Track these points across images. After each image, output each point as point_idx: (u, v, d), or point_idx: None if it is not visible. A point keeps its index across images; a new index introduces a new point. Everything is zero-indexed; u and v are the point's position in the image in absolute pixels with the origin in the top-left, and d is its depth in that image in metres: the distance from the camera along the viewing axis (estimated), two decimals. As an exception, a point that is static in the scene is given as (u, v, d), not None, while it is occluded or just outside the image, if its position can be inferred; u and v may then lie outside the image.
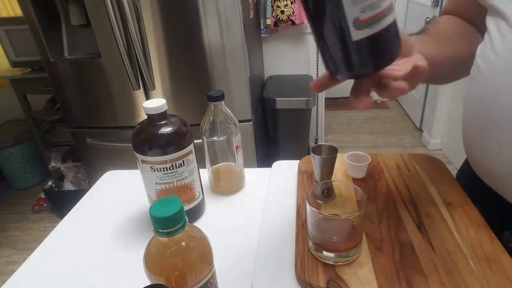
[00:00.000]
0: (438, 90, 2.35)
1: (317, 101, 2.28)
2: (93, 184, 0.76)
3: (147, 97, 1.51)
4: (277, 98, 1.81)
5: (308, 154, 0.65)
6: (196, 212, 0.62)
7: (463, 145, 0.56)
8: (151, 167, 0.54)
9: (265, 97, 1.85)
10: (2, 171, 2.38)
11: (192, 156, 0.58)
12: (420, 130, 2.76)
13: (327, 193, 0.50)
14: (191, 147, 0.57)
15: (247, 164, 0.71)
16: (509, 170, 0.45)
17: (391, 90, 0.36)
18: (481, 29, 0.55)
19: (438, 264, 0.44)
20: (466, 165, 0.65)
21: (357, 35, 0.29)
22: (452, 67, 0.55)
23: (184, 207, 0.58)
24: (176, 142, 0.54)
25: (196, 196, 0.61)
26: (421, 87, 2.63)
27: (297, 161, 0.72)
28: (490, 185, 0.51)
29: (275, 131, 1.96)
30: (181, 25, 1.36)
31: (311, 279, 0.43)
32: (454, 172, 0.63)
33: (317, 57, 2.18)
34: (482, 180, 0.53)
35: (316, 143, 2.44)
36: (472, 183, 0.57)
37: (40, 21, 1.41)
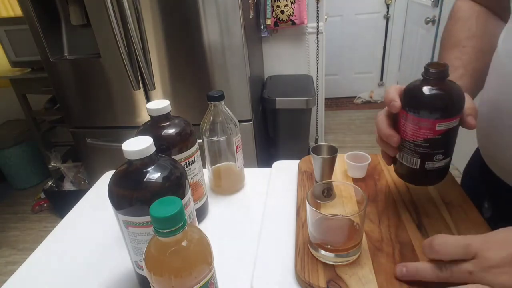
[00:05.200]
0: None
1: (317, 101, 2.28)
2: (93, 184, 0.76)
3: (147, 97, 1.51)
4: (277, 98, 1.81)
5: (308, 154, 0.65)
6: (204, 210, 0.63)
7: (477, 138, 0.56)
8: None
9: (265, 97, 1.85)
10: (2, 171, 2.38)
11: (198, 153, 0.58)
12: (420, 130, 2.75)
13: (327, 193, 0.50)
14: (197, 144, 0.58)
15: (247, 164, 0.71)
16: None
17: None
18: (499, 11, 0.56)
19: (438, 264, 0.44)
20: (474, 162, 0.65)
21: None
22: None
23: (195, 205, 0.58)
24: (187, 140, 0.55)
25: (204, 193, 0.61)
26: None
27: (297, 161, 0.72)
28: (504, 179, 0.51)
29: (275, 131, 1.96)
30: (181, 25, 1.36)
31: (311, 279, 0.43)
32: (454, 172, 0.63)
33: (317, 57, 2.18)
34: (494, 173, 0.53)
35: (316, 143, 2.44)
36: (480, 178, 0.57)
37: (40, 21, 1.41)
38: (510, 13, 0.57)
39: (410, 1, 2.86)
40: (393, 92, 0.46)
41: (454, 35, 0.58)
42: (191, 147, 0.56)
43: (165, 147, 0.53)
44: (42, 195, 2.20)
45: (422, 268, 0.39)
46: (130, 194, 0.41)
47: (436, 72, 0.43)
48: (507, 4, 0.57)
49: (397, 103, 0.45)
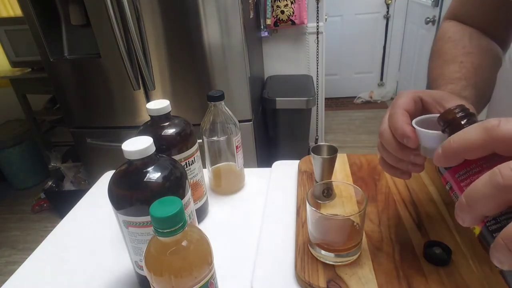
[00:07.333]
0: (438, 90, 2.34)
1: (317, 101, 2.28)
2: (93, 184, 0.76)
3: (147, 97, 1.51)
4: (277, 98, 1.81)
5: (308, 154, 0.65)
6: (204, 210, 0.63)
7: None
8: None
9: (265, 97, 1.85)
10: (2, 171, 2.38)
11: (198, 153, 0.58)
12: (420, 130, 2.75)
13: (327, 193, 0.50)
14: (197, 144, 0.58)
15: (247, 164, 0.71)
16: None
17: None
18: (497, 37, 0.55)
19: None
20: None
21: None
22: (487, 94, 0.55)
23: (195, 205, 0.58)
24: (187, 140, 0.55)
25: (204, 193, 0.61)
26: (421, 87, 2.63)
27: (297, 161, 0.72)
28: None
29: (275, 131, 1.96)
30: (181, 25, 1.36)
31: (311, 279, 0.43)
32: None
33: (317, 57, 2.18)
34: None
35: (316, 143, 2.44)
36: None
37: (40, 21, 1.41)
38: (507, 40, 0.57)
39: (410, 1, 2.86)
40: (400, 119, 0.37)
41: (447, 53, 0.54)
42: (191, 147, 0.56)
43: (165, 147, 0.53)
44: (42, 195, 2.20)
45: (462, 134, 0.28)
46: (130, 194, 0.41)
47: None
48: (508, 33, 0.56)
49: (412, 138, 0.36)
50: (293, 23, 1.97)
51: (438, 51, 0.57)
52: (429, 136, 0.35)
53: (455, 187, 0.31)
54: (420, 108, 0.41)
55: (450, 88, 0.48)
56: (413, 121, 0.37)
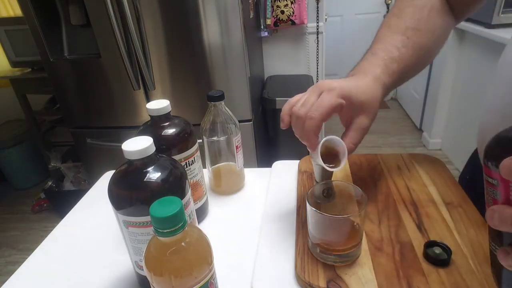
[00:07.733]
0: (438, 90, 2.35)
1: (317, 101, 2.27)
2: (93, 184, 0.76)
3: (147, 97, 1.51)
4: (277, 98, 1.81)
5: (308, 154, 0.65)
6: (204, 210, 0.63)
7: (478, 146, 0.56)
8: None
9: (265, 97, 1.85)
10: (2, 171, 2.38)
11: (198, 153, 0.58)
12: (420, 130, 2.76)
13: (327, 193, 0.50)
14: (197, 144, 0.58)
15: (247, 164, 0.71)
16: None
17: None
18: (456, 5, 0.56)
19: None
20: (470, 167, 0.65)
21: None
22: (418, 69, 0.57)
23: (195, 205, 0.58)
24: (187, 140, 0.55)
25: (204, 193, 0.61)
26: (422, 87, 2.63)
27: (297, 161, 0.72)
28: None
29: (275, 131, 1.96)
30: (181, 25, 1.36)
31: (311, 279, 0.43)
32: (454, 172, 0.63)
33: (317, 57, 2.18)
34: None
35: (316, 143, 2.43)
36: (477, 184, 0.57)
37: (40, 21, 1.41)
38: (463, 13, 0.58)
39: (410, 1, 2.86)
40: (314, 127, 0.47)
41: (402, 18, 0.56)
42: (191, 147, 0.56)
43: (165, 147, 0.53)
44: (42, 195, 2.20)
45: None
46: (130, 194, 0.41)
47: None
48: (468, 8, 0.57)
49: (313, 149, 0.47)
50: (293, 23, 1.97)
51: (398, 9, 0.58)
52: (318, 165, 0.47)
53: (501, 189, 0.29)
54: (345, 107, 0.48)
55: (376, 72, 0.51)
56: (322, 141, 0.48)
